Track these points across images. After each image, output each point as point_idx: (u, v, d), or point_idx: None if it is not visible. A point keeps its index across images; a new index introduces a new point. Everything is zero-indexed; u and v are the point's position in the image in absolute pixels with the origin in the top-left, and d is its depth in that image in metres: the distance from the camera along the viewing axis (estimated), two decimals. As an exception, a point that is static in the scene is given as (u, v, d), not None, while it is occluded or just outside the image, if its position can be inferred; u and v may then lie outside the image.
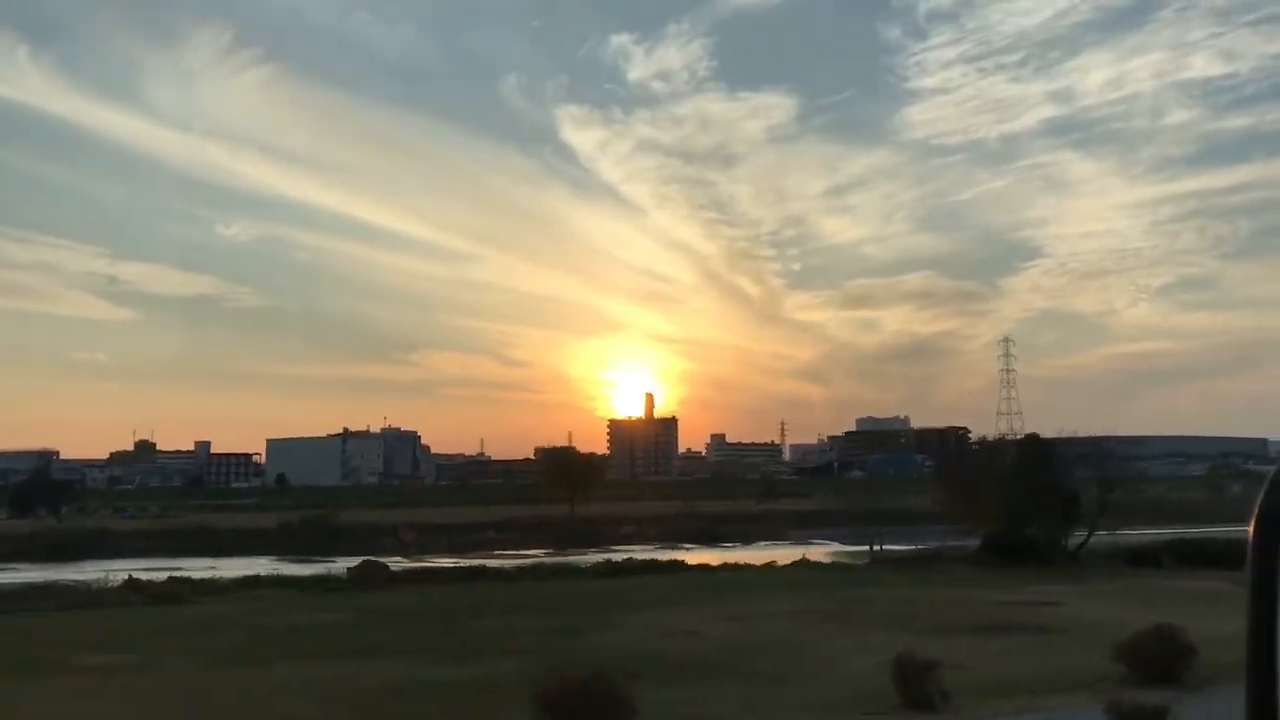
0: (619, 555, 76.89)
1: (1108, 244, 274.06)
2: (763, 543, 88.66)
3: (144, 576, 43.31)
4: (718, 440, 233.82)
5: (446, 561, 61.65)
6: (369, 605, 32.35)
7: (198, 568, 61.33)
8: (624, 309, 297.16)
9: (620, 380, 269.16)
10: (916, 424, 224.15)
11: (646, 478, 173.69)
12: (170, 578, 42.18)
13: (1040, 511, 43.20)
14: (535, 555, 73.86)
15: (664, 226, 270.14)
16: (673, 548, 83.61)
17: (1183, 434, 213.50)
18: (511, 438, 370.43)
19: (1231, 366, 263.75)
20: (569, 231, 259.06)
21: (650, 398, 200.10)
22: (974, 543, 45.78)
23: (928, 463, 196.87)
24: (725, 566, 50.02)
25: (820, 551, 67.92)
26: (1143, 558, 42.95)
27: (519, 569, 47.23)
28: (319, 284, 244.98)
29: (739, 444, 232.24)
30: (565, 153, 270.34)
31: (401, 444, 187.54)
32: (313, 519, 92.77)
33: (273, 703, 16.83)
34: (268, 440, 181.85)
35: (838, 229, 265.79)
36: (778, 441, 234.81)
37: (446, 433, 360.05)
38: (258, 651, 23.23)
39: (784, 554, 58.32)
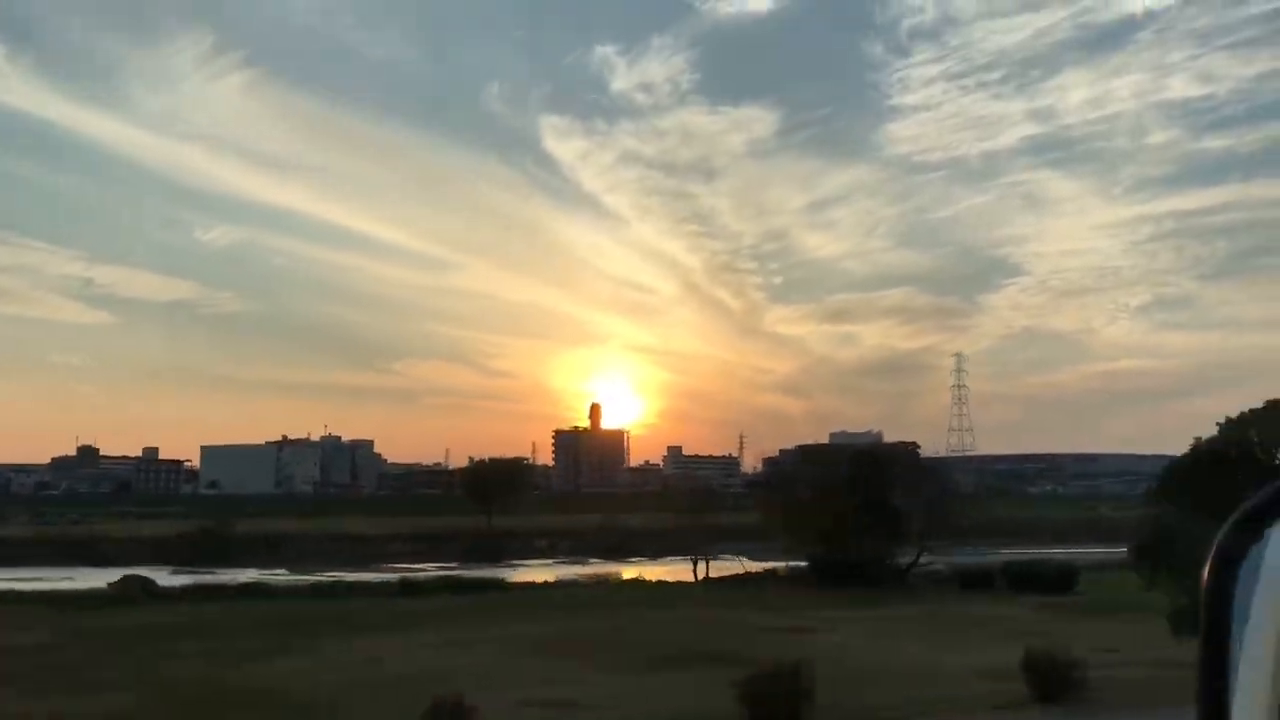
0: (519, 569, 74.69)
1: (1087, 263, 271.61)
2: (672, 558, 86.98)
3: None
4: (674, 452, 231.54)
5: (329, 575, 59.46)
6: (83, 626, 29.94)
7: (53, 578, 59.06)
8: (605, 320, 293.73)
9: (598, 391, 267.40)
10: (890, 438, 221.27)
11: (591, 489, 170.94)
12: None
13: (868, 530, 41.05)
14: (425, 568, 72.04)
15: (645, 238, 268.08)
16: (577, 562, 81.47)
17: (1142, 453, 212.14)
18: (482, 448, 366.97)
19: (1206, 387, 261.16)
20: (551, 241, 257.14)
21: (597, 408, 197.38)
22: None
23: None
24: (549, 584, 47.65)
25: (716, 566, 65.97)
26: (974, 580, 40.78)
27: (314, 586, 44.73)
28: (298, 290, 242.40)
29: (695, 456, 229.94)
30: (547, 163, 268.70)
31: (340, 452, 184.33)
32: (207, 529, 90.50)
33: None
34: (202, 447, 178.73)
35: (818, 244, 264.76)
36: (735, 454, 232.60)
37: (420, 441, 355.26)
38: None
39: (661, 570, 56.23)
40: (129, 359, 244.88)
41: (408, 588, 40.85)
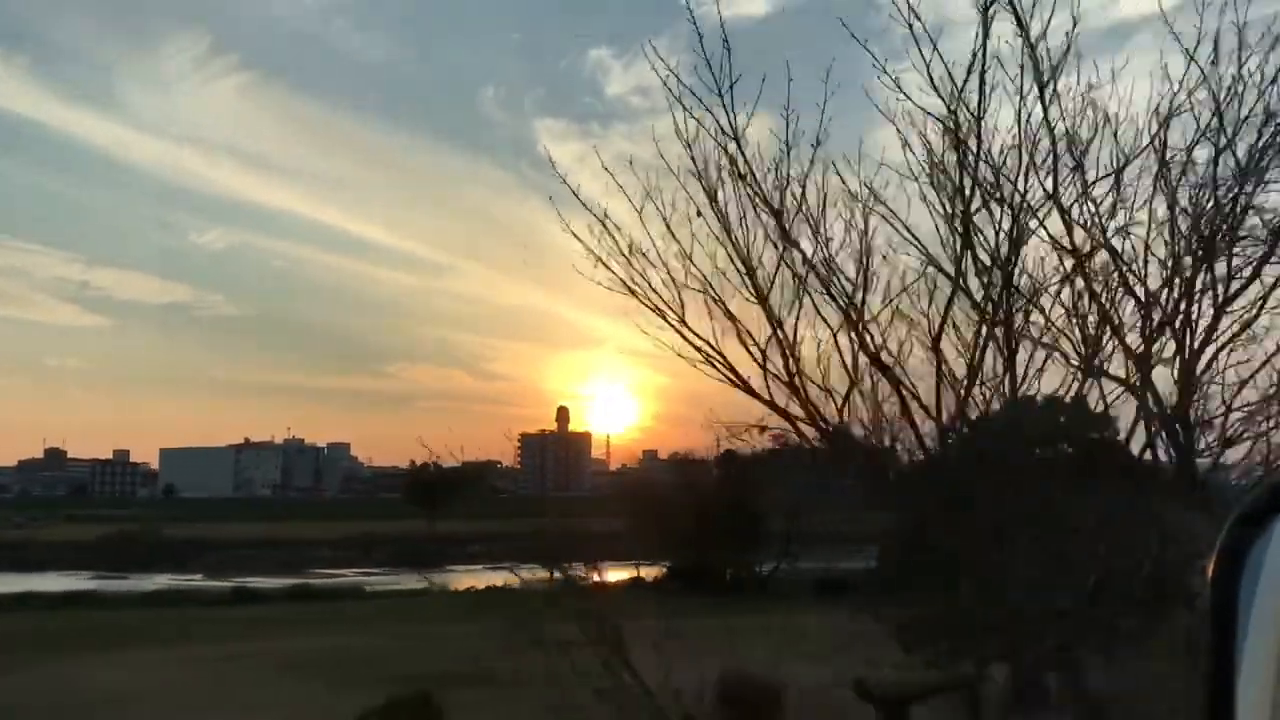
0: (444, 574, 72.86)
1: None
2: (604, 561, 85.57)
3: None
4: (649, 455, 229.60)
5: (237, 580, 58.07)
6: None
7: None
8: (600, 323, 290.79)
9: (597, 394, 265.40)
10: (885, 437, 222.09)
11: (557, 493, 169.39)
12: None
13: (728, 534, 39.40)
14: (345, 574, 71.01)
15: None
16: (505, 568, 79.99)
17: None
18: (471, 452, 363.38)
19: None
20: (546, 244, 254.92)
21: (565, 411, 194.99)
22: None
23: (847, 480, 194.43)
24: (411, 592, 45.99)
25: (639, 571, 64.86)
26: (833, 587, 39.11)
27: (147, 595, 43.14)
28: (293, 293, 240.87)
29: (672, 457, 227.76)
30: (542, 165, 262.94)
31: (304, 455, 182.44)
32: (131, 533, 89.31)
33: None
34: (160, 449, 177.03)
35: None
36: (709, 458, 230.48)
37: (412, 444, 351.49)
38: None
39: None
40: (122, 362, 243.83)
41: (243, 596, 39.20)
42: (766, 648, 25.57)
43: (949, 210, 9.41)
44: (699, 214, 9.24)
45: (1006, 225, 9.34)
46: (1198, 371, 8.77)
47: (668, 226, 9.23)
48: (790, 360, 9.65)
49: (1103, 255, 9.01)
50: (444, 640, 28.48)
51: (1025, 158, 8.97)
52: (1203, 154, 8.54)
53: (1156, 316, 8.87)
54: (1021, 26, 8.68)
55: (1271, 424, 8.37)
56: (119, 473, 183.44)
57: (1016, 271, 9.44)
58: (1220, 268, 8.70)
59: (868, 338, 9.80)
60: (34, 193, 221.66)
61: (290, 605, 38.12)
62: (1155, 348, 8.93)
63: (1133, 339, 9.05)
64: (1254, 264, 8.57)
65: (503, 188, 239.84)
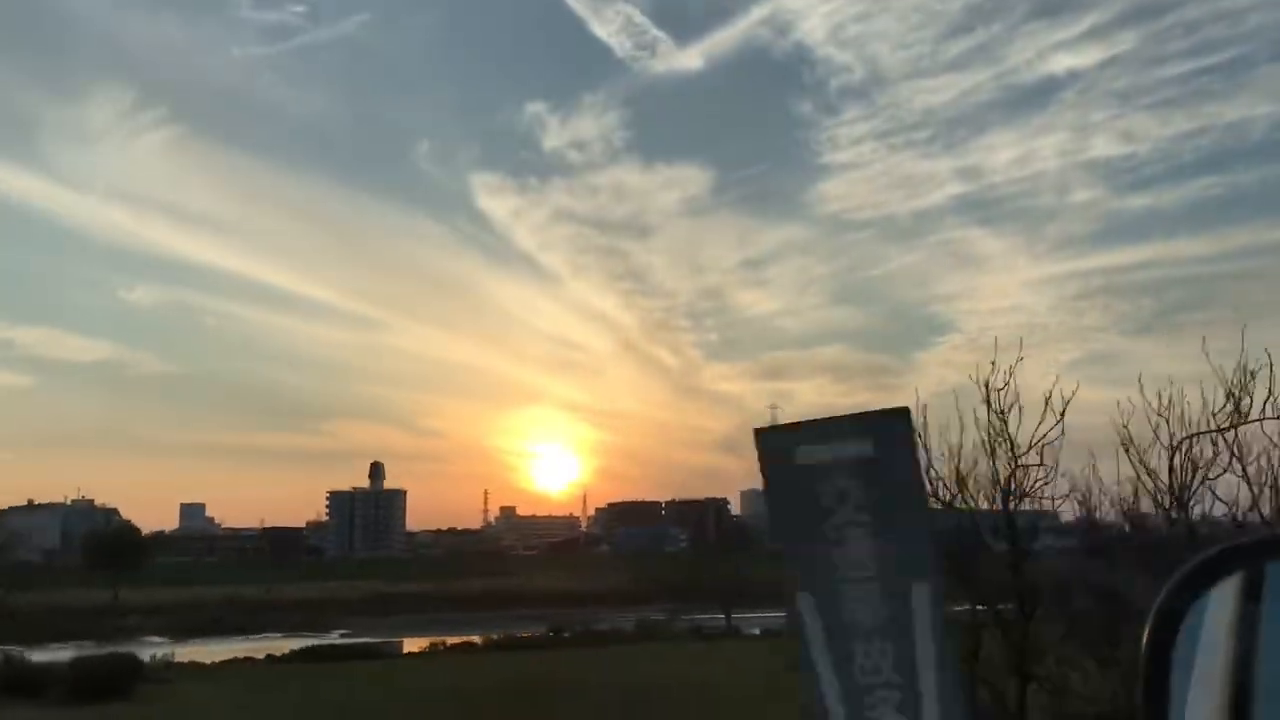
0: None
1: (1016, 320, 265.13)
2: (271, 634, 78.42)
3: None
4: (507, 513, 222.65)
5: None
6: None
7: None
8: (539, 379, 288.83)
9: (534, 452, 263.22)
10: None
11: (363, 554, 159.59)
12: None
13: None
14: None
15: (580, 296, 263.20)
16: (136, 643, 71.45)
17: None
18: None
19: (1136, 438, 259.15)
20: (483, 299, 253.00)
21: (379, 466, 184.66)
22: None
23: (682, 537, 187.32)
24: None
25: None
26: (25, 683, 31.33)
27: None
28: (225, 350, 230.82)
29: (532, 516, 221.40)
30: (479, 220, 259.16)
31: (91, 517, 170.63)
32: None
33: None
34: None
35: (753, 301, 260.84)
36: (577, 514, 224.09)
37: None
38: None
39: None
40: (44, 422, 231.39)
41: None
42: None
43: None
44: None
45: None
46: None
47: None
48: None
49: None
50: None
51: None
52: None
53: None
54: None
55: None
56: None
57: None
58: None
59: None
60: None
61: None
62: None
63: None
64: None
65: (439, 242, 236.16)
